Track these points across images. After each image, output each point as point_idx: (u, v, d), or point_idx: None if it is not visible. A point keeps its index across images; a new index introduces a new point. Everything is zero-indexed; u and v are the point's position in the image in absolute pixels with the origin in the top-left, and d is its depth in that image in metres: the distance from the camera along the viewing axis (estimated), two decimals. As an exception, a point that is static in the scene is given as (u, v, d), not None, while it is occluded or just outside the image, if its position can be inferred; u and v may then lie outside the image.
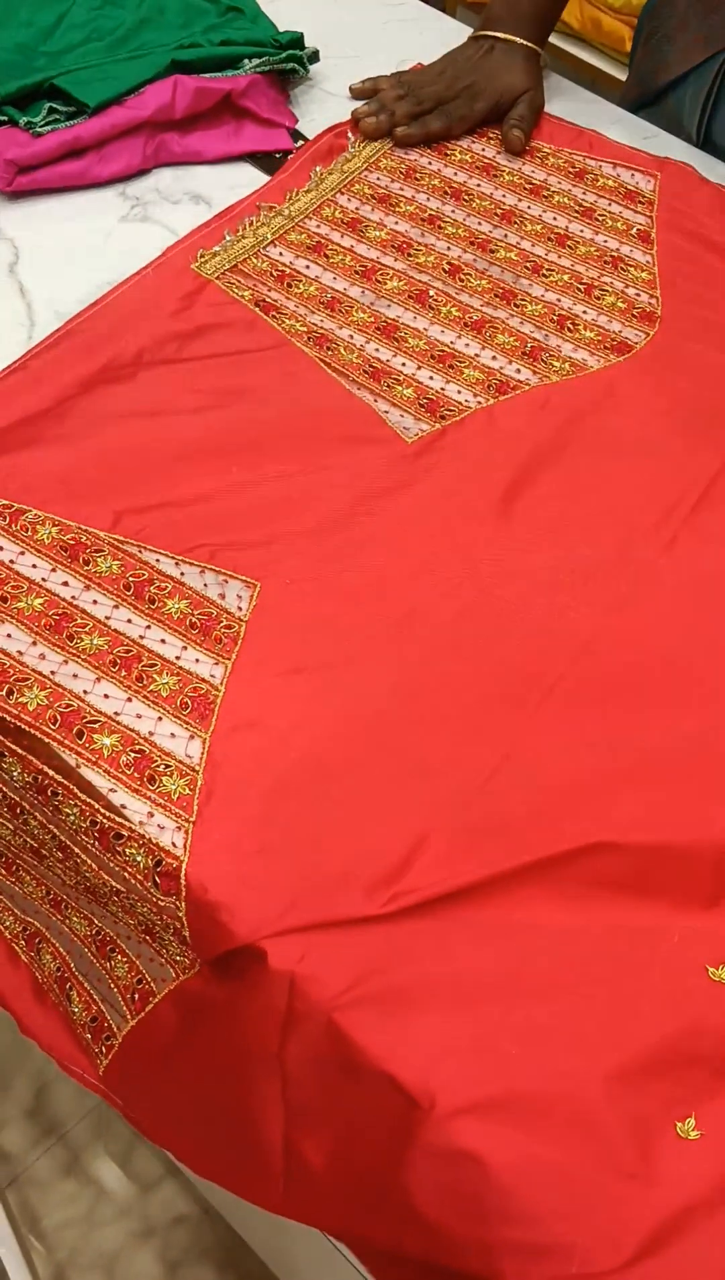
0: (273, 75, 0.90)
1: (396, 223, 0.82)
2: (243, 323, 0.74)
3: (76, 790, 0.53)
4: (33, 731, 0.54)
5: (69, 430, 0.67)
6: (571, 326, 0.76)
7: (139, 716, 0.55)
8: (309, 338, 0.74)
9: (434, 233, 0.82)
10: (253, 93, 0.88)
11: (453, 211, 0.84)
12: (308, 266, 0.78)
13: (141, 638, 0.58)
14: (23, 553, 0.61)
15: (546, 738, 0.56)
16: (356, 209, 0.83)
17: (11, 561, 0.60)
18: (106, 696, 0.56)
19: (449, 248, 0.81)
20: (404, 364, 0.73)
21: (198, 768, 0.54)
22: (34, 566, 0.60)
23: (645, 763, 0.55)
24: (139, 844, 0.52)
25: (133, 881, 0.52)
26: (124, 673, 0.56)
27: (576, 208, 0.85)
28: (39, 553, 0.61)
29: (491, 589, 0.62)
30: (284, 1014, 0.49)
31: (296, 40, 0.91)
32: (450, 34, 1.00)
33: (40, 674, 0.56)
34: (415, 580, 0.62)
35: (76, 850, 0.55)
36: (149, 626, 0.58)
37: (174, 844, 0.51)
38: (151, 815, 0.52)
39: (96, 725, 0.54)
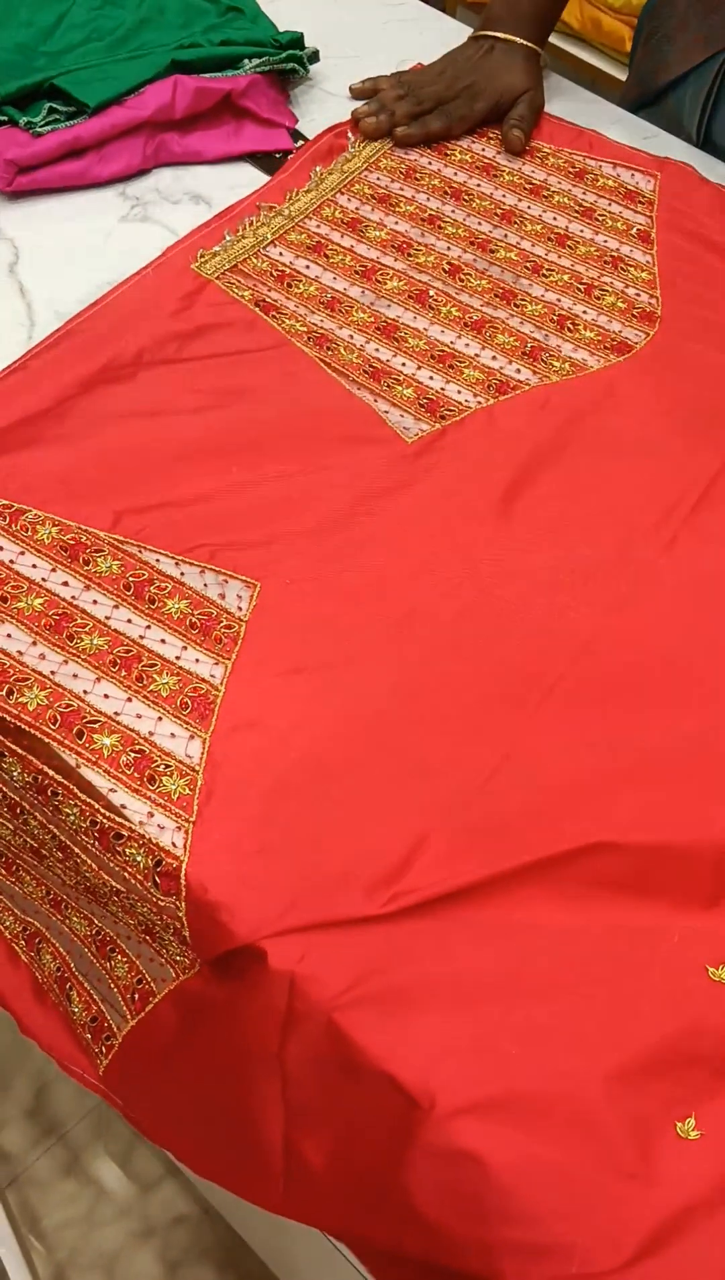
0: (273, 75, 0.90)
1: (396, 223, 0.82)
2: (243, 323, 0.74)
3: (76, 790, 0.53)
4: (33, 731, 0.54)
5: (69, 430, 0.67)
6: (571, 326, 0.76)
7: (139, 716, 0.55)
8: (309, 338, 0.74)
9: (434, 233, 0.82)
10: (253, 93, 0.88)
11: (453, 211, 0.84)
12: (308, 266, 0.78)
13: (141, 638, 0.58)
14: (23, 553, 0.61)
15: (546, 738, 0.56)
16: (356, 209, 0.83)
17: (11, 561, 0.60)
18: (106, 696, 0.56)
19: (449, 248, 0.81)
20: (404, 364, 0.73)
21: (198, 768, 0.54)
22: (34, 566, 0.60)
23: (645, 762, 0.55)
24: (139, 844, 0.52)
25: (133, 881, 0.52)
26: (124, 673, 0.56)
27: (576, 208, 0.85)
28: (39, 553, 0.61)
29: (491, 589, 0.62)
30: (284, 1014, 0.49)
31: (296, 40, 0.91)
32: (450, 34, 1.00)
33: (40, 674, 0.56)
34: (415, 580, 0.62)
35: (76, 850, 0.55)
36: (149, 626, 0.58)
37: (174, 844, 0.51)
38: (151, 815, 0.52)
39: (96, 725, 0.54)
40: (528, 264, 0.80)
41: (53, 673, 0.56)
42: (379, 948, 0.49)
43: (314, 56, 0.94)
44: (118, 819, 0.52)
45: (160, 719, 0.55)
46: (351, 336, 0.74)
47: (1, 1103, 1.18)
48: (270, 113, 0.88)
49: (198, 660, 0.57)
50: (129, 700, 0.56)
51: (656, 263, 0.81)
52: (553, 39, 0.95)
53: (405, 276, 0.78)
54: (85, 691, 0.56)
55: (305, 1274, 0.88)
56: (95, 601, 0.59)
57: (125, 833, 0.52)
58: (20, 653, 0.57)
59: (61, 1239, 1.10)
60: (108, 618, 0.59)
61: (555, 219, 0.84)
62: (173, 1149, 0.56)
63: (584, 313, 0.77)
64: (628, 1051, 0.47)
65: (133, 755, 0.54)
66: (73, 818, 0.54)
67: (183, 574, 0.61)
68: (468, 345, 0.74)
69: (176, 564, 0.61)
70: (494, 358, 0.74)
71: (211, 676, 0.57)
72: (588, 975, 0.49)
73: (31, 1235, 1.10)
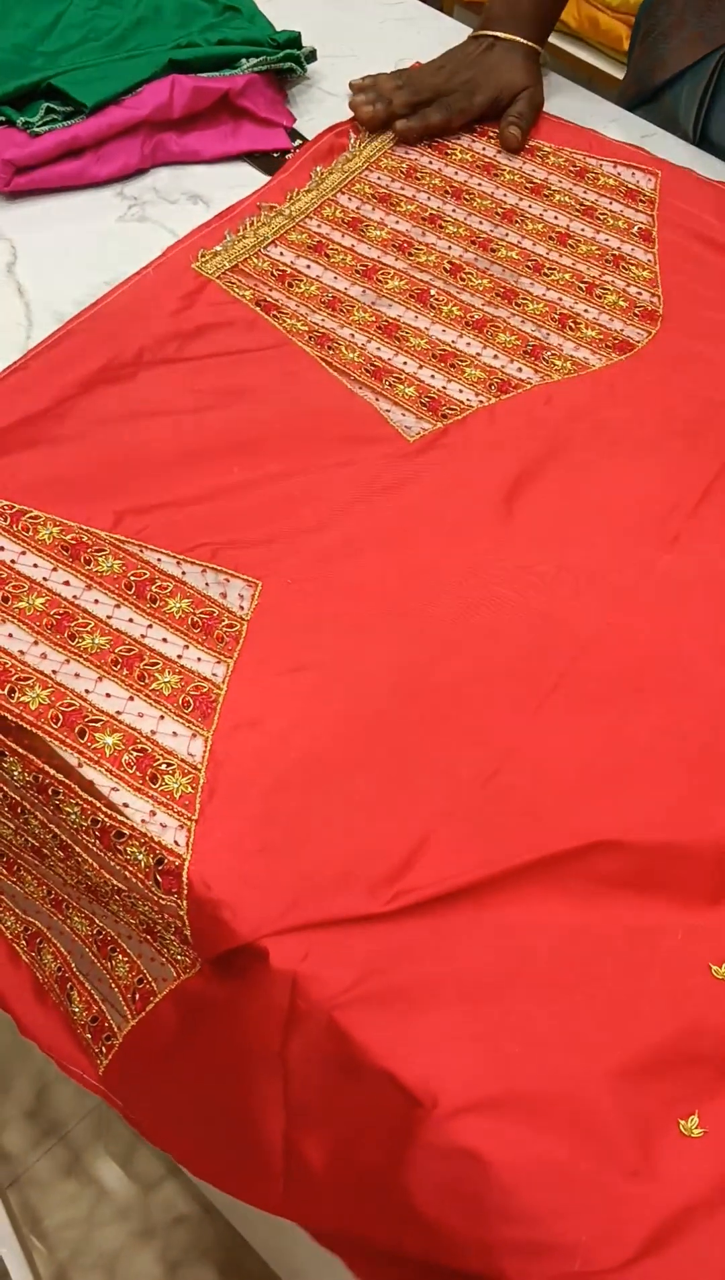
0: (270, 75, 0.90)
1: (397, 222, 0.82)
2: (244, 322, 0.74)
3: (78, 789, 0.53)
4: (34, 731, 0.54)
5: (70, 430, 0.67)
6: (573, 325, 0.76)
7: (141, 715, 0.55)
8: (310, 337, 0.74)
9: (435, 232, 0.82)
10: (250, 92, 0.88)
11: (454, 211, 0.84)
12: (309, 266, 0.78)
13: (143, 637, 0.58)
14: (24, 552, 0.61)
15: (549, 736, 0.56)
16: (357, 208, 0.83)
17: (13, 561, 0.60)
18: (108, 695, 0.55)
19: (450, 247, 0.81)
20: (405, 363, 0.73)
21: (200, 766, 0.54)
22: (35, 566, 0.60)
23: (647, 761, 0.55)
24: (140, 843, 0.52)
25: (134, 880, 0.52)
26: (126, 672, 0.56)
27: (577, 206, 0.85)
28: (40, 552, 0.61)
29: (493, 587, 0.62)
30: (286, 1013, 0.49)
31: (294, 39, 0.91)
32: (448, 33, 1.00)
33: (42, 673, 0.56)
34: (417, 579, 0.62)
35: (78, 849, 0.55)
36: (150, 625, 0.58)
37: (176, 842, 0.51)
38: (153, 814, 0.52)
39: (98, 724, 0.54)
40: (529, 263, 0.80)
41: (54, 672, 0.56)
42: (381, 947, 0.49)
43: (311, 56, 0.94)
44: (119, 818, 0.52)
45: (162, 718, 0.55)
46: (353, 336, 0.74)
47: (2, 1103, 1.18)
48: (268, 112, 0.88)
49: (199, 659, 0.57)
50: (131, 699, 0.56)
51: (658, 261, 0.81)
52: (550, 38, 0.95)
53: (406, 276, 0.78)
54: (87, 691, 0.56)
55: (306, 1274, 0.88)
56: (97, 601, 0.59)
57: (127, 831, 0.52)
58: (22, 652, 0.57)
59: (62, 1239, 1.10)
60: (109, 617, 0.59)
61: (556, 218, 0.84)
62: (172, 1150, 0.56)
63: (585, 311, 0.77)
64: (630, 1050, 0.47)
65: (134, 754, 0.54)
66: (74, 817, 0.54)
67: (184, 573, 0.61)
68: (469, 344, 0.74)
69: (178, 563, 0.61)
70: (495, 356, 0.74)
71: (213, 675, 0.57)
72: (590, 974, 0.49)
73: (33, 1235, 1.10)
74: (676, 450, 0.69)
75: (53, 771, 0.54)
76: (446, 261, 0.80)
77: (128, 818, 0.52)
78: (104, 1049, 0.57)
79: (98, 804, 0.53)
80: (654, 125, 0.95)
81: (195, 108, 0.86)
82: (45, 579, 0.60)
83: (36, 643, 0.57)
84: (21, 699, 0.55)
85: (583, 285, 0.79)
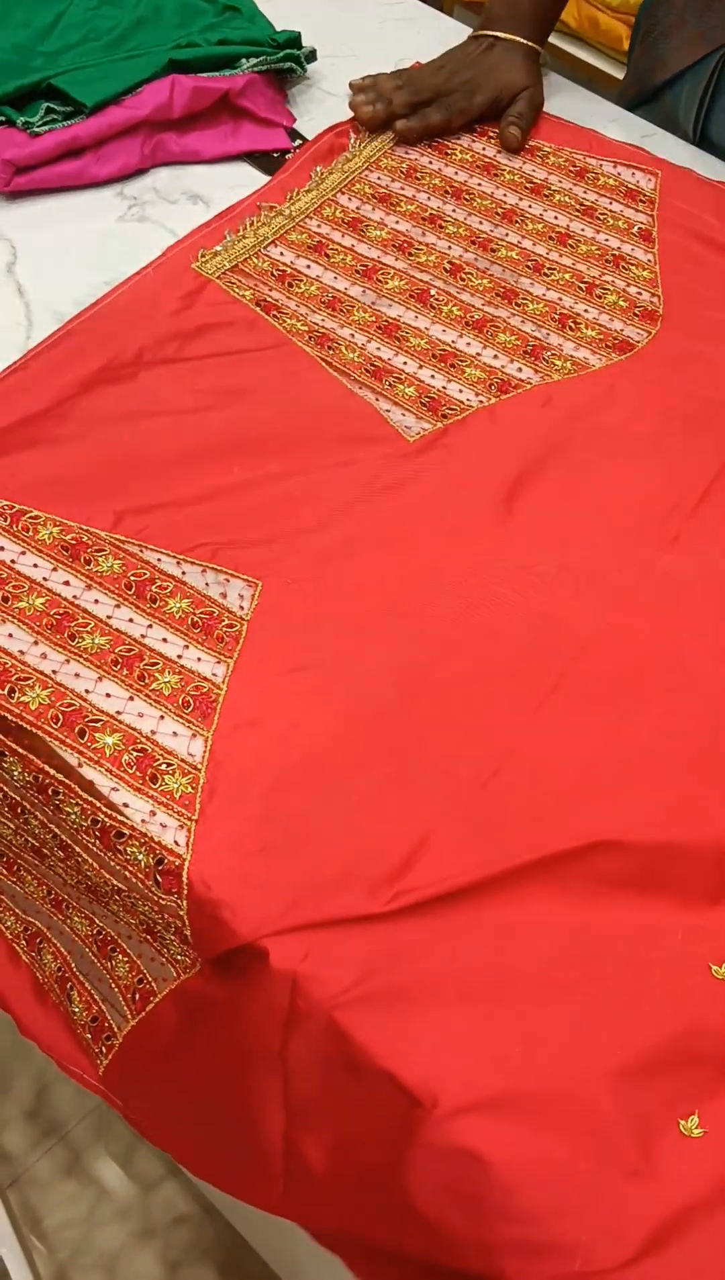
0: (270, 75, 0.90)
1: (397, 222, 0.82)
2: (244, 322, 0.74)
3: (78, 789, 0.53)
4: (34, 731, 0.54)
5: (70, 430, 0.67)
6: (573, 325, 0.76)
7: (141, 715, 0.55)
8: (310, 337, 0.74)
9: (435, 232, 0.82)
10: (250, 92, 0.88)
11: (453, 211, 0.84)
12: (309, 266, 0.78)
13: (143, 637, 0.58)
14: (24, 552, 0.61)
15: (549, 736, 0.56)
16: (357, 208, 0.83)
17: (13, 561, 0.60)
18: (108, 695, 0.55)
19: (450, 247, 0.81)
20: (405, 363, 0.73)
21: (200, 766, 0.54)
22: (35, 566, 0.60)
23: (648, 761, 0.55)
24: (140, 842, 0.52)
25: (134, 880, 0.52)
26: (126, 672, 0.56)
27: (577, 206, 0.85)
28: (40, 552, 0.61)
29: (493, 587, 0.62)
30: (286, 1013, 0.49)
31: (294, 39, 0.91)
32: (448, 33, 1.00)
33: (42, 673, 0.56)
34: (417, 579, 0.62)
35: (78, 849, 0.55)
36: (150, 625, 0.58)
37: (176, 842, 0.51)
38: (154, 814, 0.52)
39: (98, 724, 0.54)
40: (529, 263, 0.80)
41: (54, 672, 0.56)
42: (381, 946, 0.49)
43: (311, 56, 0.94)
44: (119, 818, 0.52)
45: (162, 718, 0.55)
46: (353, 336, 0.74)
47: (2, 1103, 1.18)
48: (268, 112, 0.88)
49: (199, 659, 0.57)
50: (131, 699, 0.55)
51: (658, 261, 0.81)
52: (550, 38, 0.95)
53: (406, 276, 0.78)
54: (87, 691, 0.56)
55: (306, 1274, 0.88)
56: (96, 601, 0.59)
57: (127, 831, 0.52)
58: (22, 652, 0.57)
59: (63, 1239, 1.10)
60: (109, 617, 0.59)
61: (556, 218, 0.84)
62: (172, 1150, 0.56)
63: (585, 311, 0.77)
64: (630, 1050, 0.47)
65: (135, 754, 0.54)
66: (74, 817, 0.54)
67: (184, 573, 0.61)
68: (469, 344, 0.74)
69: (178, 563, 0.61)
70: (495, 356, 0.74)
71: (213, 675, 0.57)
72: (590, 974, 0.49)
73: (33, 1235, 1.10)
74: (676, 450, 0.69)
75: (53, 771, 0.54)
76: (446, 261, 0.80)
77: (128, 818, 0.52)
78: (104, 1049, 0.57)
79: (98, 804, 0.53)
80: (654, 125, 0.95)
81: (195, 108, 0.86)
82: (45, 579, 0.60)
83: (36, 643, 0.57)
84: (21, 699, 0.55)
85: (583, 285, 0.79)
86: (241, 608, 0.60)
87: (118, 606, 0.59)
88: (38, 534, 0.61)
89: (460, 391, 0.71)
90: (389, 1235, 0.47)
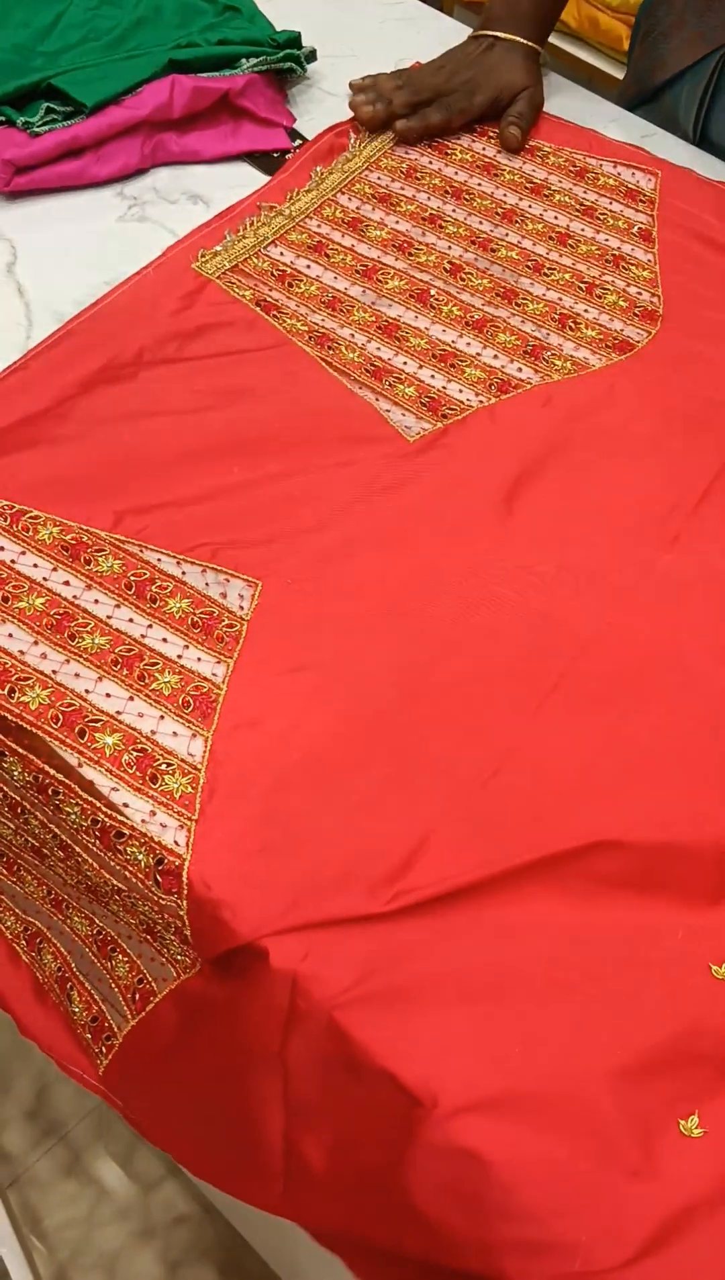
0: (270, 75, 0.90)
1: (397, 222, 0.82)
2: (244, 322, 0.74)
3: (78, 789, 0.53)
4: (34, 731, 0.54)
5: (70, 430, 0.67)
6: (573, 325, 0.76)
7: (141, 715, 0.55)
8: (310, 337, 0.74)
9: (435, 232, 0.82)
10: (250, 92, 0.88)
11: (454, 211, 0.84)
12: (309, 266, 0.78)
13: (143, 637, 0.58)
14: (24, 552, 0.61)
15: (549, 736, 0.56)
16: (357, 208, 0.83)
17: (13, 561, 0.60)
18: (108, 695, 0.55)
19: (450, 247, 0.81)
20: (405, 363, 0.73)
21: (200, 766, 0.54)
22: (35, 566, 0.60)
23: (648, 761, 0.55)
24: (140, 842, 0.52)
25: (134, 880, 0.52)
26: (126, 672, 0.56)
27: (577, 206, 0.85)
28: (40, 552, 0.61)
29: (493, 587, 0.62)
30: (286, 1013, 0.49)
31: (294, 39, 0.91)
32: (448, 33, 1.00)
33: (42, 673, 0.56)
34: (417, 579, 0.62)
35: (78, 849, 0.55)
36: (150, 625, 0.58)
37: (176, 842, 0.51)
38: (154, 814, 0.52)
39: (98, 724, 0.54)
40: (529, 263, 0.80)
41: (54, 672, 0.56)
42: (381, 946, 0.49)
43: (311, 56, 0.94)
44: (119, 818, 0.52)
45: (162, 718, 0.55)
46: (353, 336, 0.74)
47: (2, 1103, 1.18)
48: (268, 112, 0.88)
49: (199, 659, 0.57)
50: (131, 699, 0.56)
51: (658, 261, 0.81)
52: (550, 38, 0.95)
53: (406, 276, 0.78)
54: (87, 690, 0.56)
55: (306, 1274, 0.88)
56: (96, 601, 0.59)
57: (127, 831, 0.52)
58: (22, 652, 0.57)
59: (63, 1239, 1.10)
60: (109, 617, 0.59)
61: (556, 218, 0.84)
62: (171, 1150, 0.56)
63: (585, 311, 0.77)
64: (631, 1050, 0.47)
65: (135, 754, 0.54)
66: (74, 817, 0.54)
67: (184, 573, 0.61)
68: (469, 344, 0.74)
69: (178, 563, 0.61)
70: (495, 356, 0.74)
71: (213, 675, 0.57)
72: (590, 974, 0.49)
73: (33, 1235, 1.10)
74: (676, 450, 0.69)
75: (53, 771, 0.54)
76: (446, 261, 0.80)
77: (128, 818, 0.52)
78: (104, 1049, 0.57)
79: (98, 804, 0.53)
80: (654, 125, 0.95)
81: (195, 108, 0.86)
82: (45, 579, 0.60)
83: (36, 643, 0.57)
84: (21, 699, 0.55)
85: (583, 285, 0.79)
86: (241, 608, 0.60)
87: (118, 606, 0.59)
88: (38, 534, 0.61)
89: (460, 391, 0.71)
90: (389, 1235, 0.47)
